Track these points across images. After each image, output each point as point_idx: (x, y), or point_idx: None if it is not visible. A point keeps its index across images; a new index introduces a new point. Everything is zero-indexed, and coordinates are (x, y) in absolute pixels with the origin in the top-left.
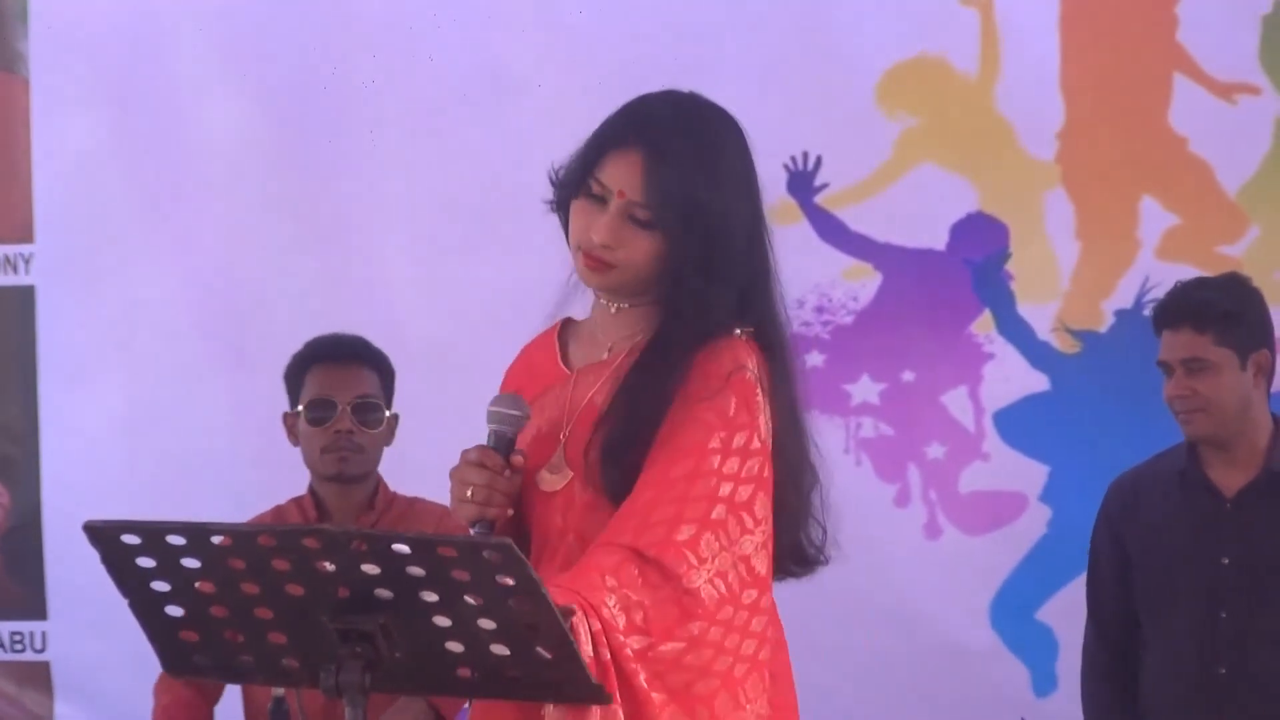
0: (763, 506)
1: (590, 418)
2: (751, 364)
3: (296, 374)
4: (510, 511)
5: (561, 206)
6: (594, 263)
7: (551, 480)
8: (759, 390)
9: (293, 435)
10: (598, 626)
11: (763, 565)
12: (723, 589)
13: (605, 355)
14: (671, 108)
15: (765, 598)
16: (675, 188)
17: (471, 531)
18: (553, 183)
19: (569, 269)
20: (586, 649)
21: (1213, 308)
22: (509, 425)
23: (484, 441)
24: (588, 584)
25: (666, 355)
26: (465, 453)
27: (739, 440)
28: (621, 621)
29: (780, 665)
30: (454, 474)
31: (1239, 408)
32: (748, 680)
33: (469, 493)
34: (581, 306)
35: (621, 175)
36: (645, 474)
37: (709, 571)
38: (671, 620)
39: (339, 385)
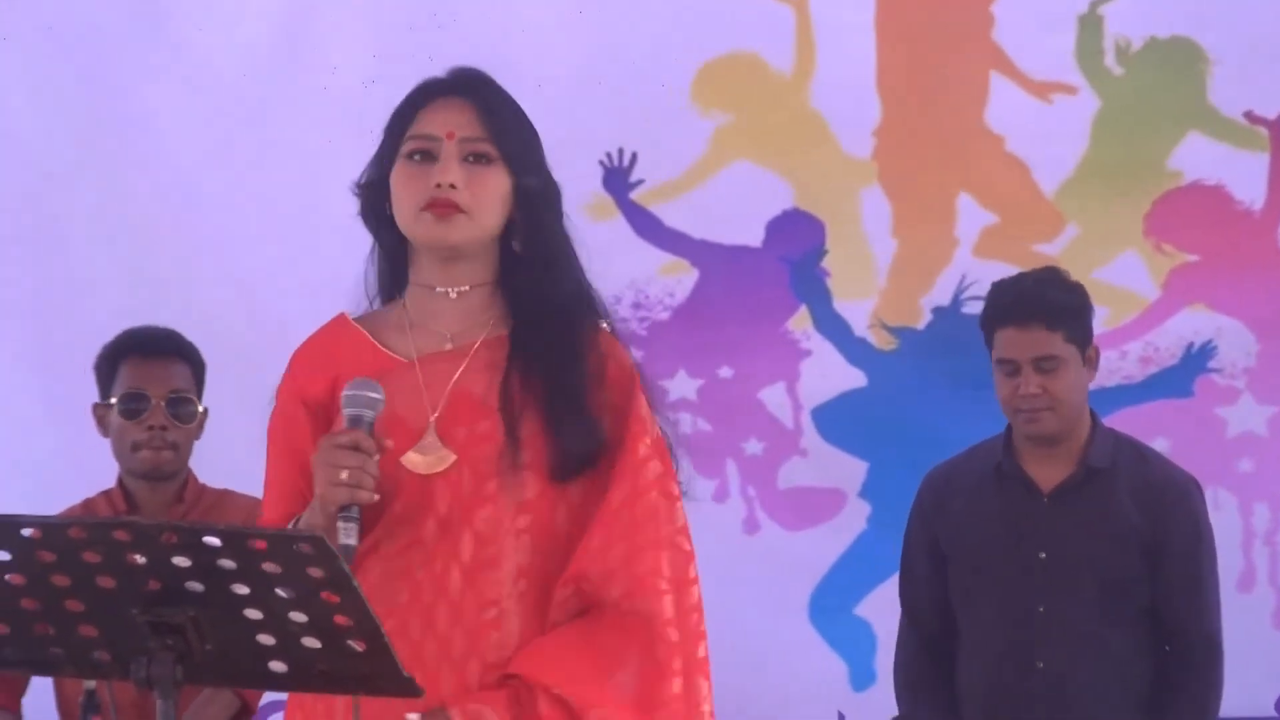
0: (678, 496)
1: (468, 404)
2: (628, 359)
3: (108, 365)
4: (376, 497)
5: (373, 211)
6: (443, 208)
7: (426, 462)
8: (640, 380)
9: (102, 426)
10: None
11: (687, 542)
12: (674, 595)
13: (449, 345)
14: (468, 69)
15: (692, 569)
16: (507, 120)
17: (339, 519)
18: (356, 194)
19: (362, 266)
20: None
21: (1061, 304)
22: (371, 409)
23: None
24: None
25: (569, 350)
26: (334, 436)
27: (649, 446)
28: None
29: None
30: (323, 458)
31: (1081, 404)
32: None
33: (343, 475)
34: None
35: (447, 118)
36: (594, 511)
37: (665, 583)
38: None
39: (152, 379)
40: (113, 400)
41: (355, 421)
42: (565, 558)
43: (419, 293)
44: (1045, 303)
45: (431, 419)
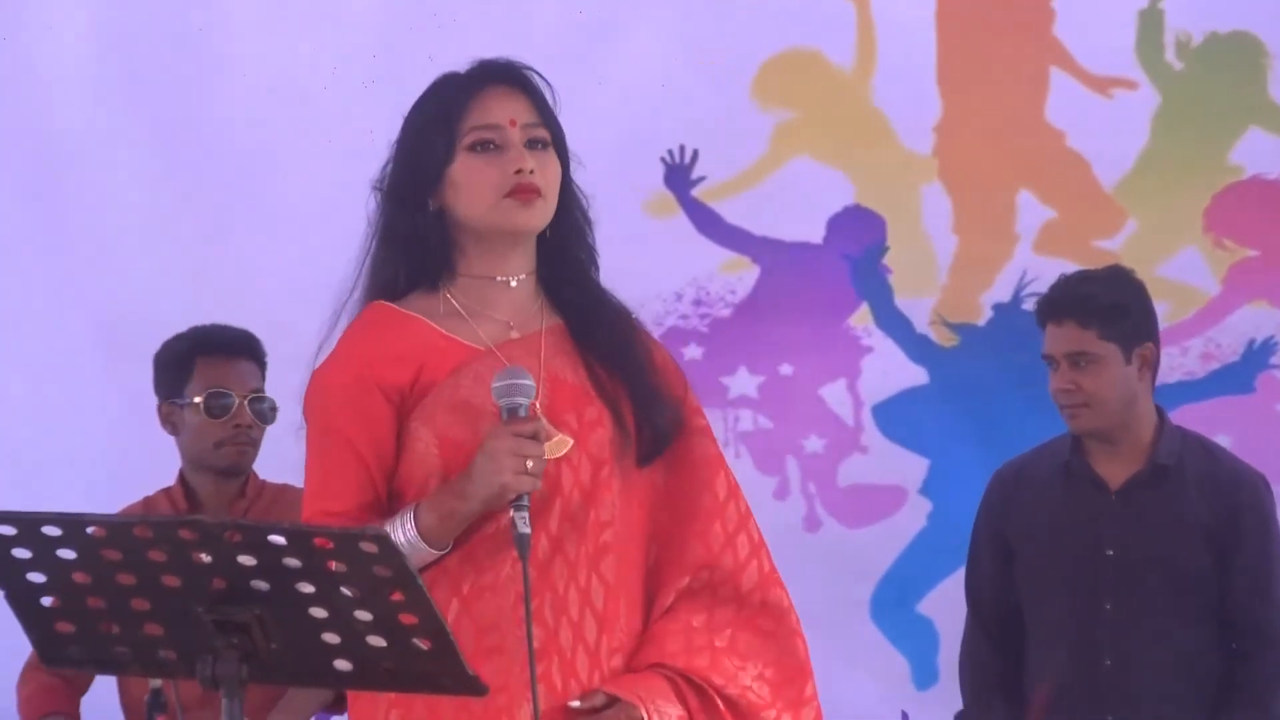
0: None
1: (569, 391)
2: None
3: (181, 363)
4: None
5: (411, 206)
6: (528, 194)
7: (548, 446)
8: None
9: (170, 424)
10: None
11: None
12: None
13: (515, 334)
14: (501, 59)
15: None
16: (549, 103)
17: (513, 509)
18: (379, 189)
19: (356, 255)
20: None
21: (1098, 301)
22: (528, 397)
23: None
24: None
25: (628, 339)
26: (514, 425)
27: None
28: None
29: None
30: (507, 447)
31: (1123, 402)
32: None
33: (530, 464)
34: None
35: (504, 107)
36: (693, 499)
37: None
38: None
39: (233, 378)
40: (195, 399)
41: (514, 410)
42: (637, 540)
43: (473, 283)
44: (1079, 299)
45: (538, 404)
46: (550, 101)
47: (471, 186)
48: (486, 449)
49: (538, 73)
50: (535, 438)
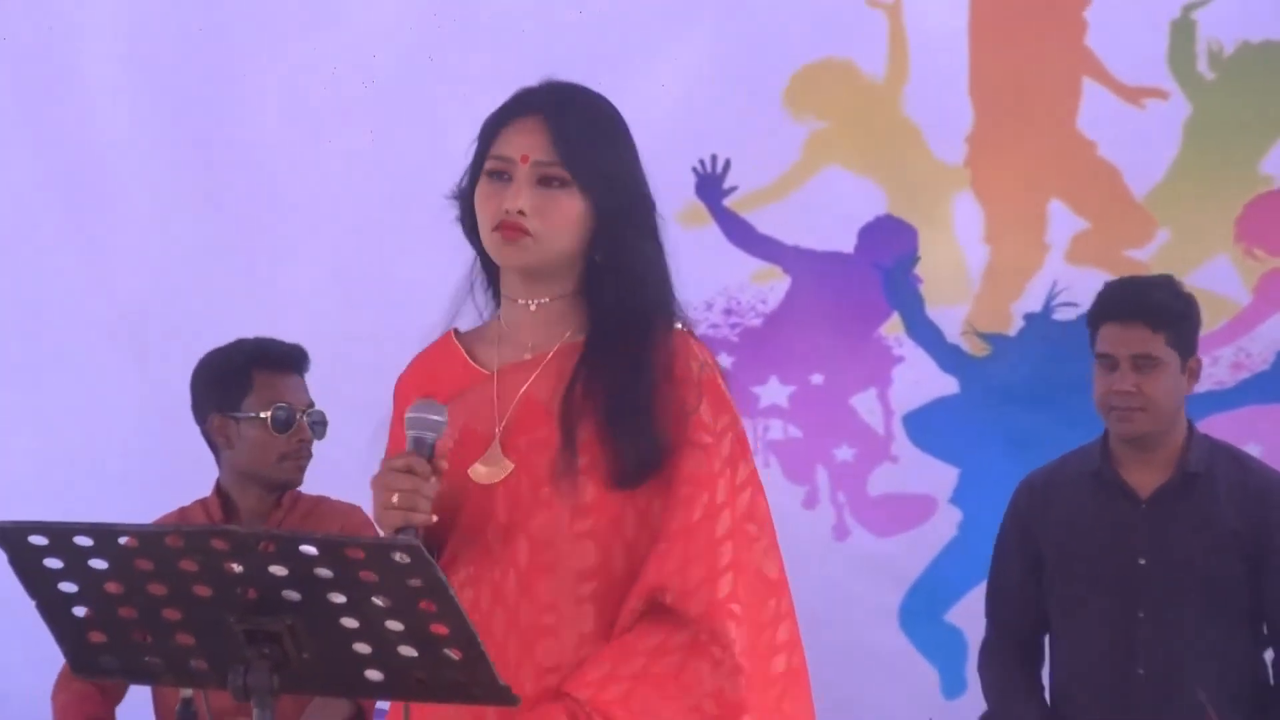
0: (760, 504)
1: (533, 411)
2: (706, 356)
3: (238, 377)
4: (434, 518)
5: (465, 223)
6: (511, 232)
7: (488, 473)
8: (720, 378)
9: (222, 437)
10: None
11: (773, 567)
12: (748, 628)
13: (528, 355)
14: (557, 85)
15: (783, 601)
16: (583, 143)
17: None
18: (456, 199)
19: (463, 273)
20: None
21: (1170, 308)
22: (432, 431)
23: (405, 447)
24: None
25: (638, 354)
26: (390, 460)
27: (726, 448)
28: None
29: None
30: (378, 481)
31: (1175, 410)
32: (784, 700)
33: (395, 499)
34: (468, 315)
35: (522, 141)
36: (667, 519)
37: (739, 610)
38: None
39: (293, 393)
40: (260, 414)
41: (418, 444)
42: (637, 560)
43: (506, 304)
44: (1151, 303)
45: (497, 429)
46: (591, 132)
47: (478, 214)
48: (370, 484)
49: (583, 102)
50: (409, 471)
